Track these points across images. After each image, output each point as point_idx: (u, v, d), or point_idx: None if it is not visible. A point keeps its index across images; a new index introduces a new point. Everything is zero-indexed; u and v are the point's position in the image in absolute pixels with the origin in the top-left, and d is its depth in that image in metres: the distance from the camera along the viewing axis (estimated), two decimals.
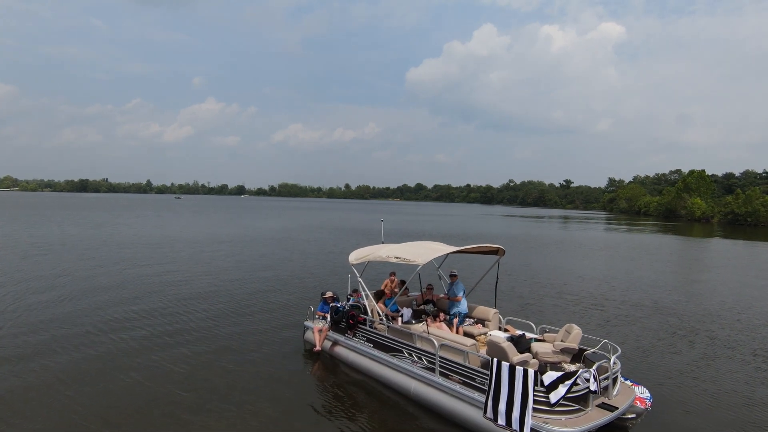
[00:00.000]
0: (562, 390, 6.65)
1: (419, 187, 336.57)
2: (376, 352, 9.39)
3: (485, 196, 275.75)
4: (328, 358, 10.68)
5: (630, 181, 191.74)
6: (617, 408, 6.97)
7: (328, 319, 11.04)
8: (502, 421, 6.87)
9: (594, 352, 7.87)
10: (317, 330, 11.04)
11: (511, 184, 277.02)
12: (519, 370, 6.74)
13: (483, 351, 8.20)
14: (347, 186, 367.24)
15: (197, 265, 23.48)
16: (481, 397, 7.23)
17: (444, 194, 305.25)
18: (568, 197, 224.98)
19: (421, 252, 9.30)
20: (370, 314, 9.98)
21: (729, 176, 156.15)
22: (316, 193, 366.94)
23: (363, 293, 10.51)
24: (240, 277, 20.40)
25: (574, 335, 8.17)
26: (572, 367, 7.56)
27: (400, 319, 9.70)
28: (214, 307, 14.92)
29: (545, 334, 8.96)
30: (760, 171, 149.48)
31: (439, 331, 8.69)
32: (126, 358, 10.20)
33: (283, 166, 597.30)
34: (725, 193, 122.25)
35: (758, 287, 21.61)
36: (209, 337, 11.88)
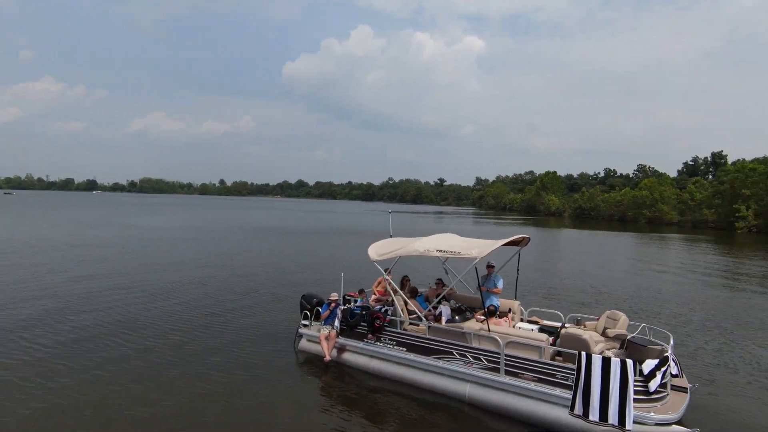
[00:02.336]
0: (659, 377, 6.65)
1: (301, 184, 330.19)
2: (414, 357, 8.47)
3: (367, 193, 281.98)
4: (337, 367, 9.39)
5: (494, 180, 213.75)
6: (687, 388, 7.26)
7: (336, 324, 9.72)
8: (594, 416, 6.60)
9: (636, 337, 8.08)
10: (324, 337, 9.64)
11: (391, 182, 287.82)
12: (615, 361, 6.54)
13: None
14: (222, 182, 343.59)
15: (100, 275, 19.26)
16: (565, 393, 6.90)
17: (326, 191, 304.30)
18: (442, 194, 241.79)
19: (472, 244, 8.61)
20: (400, 315, 8.99)
21: (569, 177, 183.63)
22: (186, 189, 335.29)
23: (392, 292, 9.38)
24: (177, 287, 17.24)
25: (621, 322, 8.32)
26: (612, 353, 7.63)
27: (445, 318, 8.90)
28: (168, 325, 12.23)
29: (587, 323, 9.02)
30: (591, 173, 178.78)
31: (499, 327, 8.14)
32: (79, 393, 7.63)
33: (143, 159, 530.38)
34: (569, 191, 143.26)
35: (600, 265, 25.48)
36: (179, 363, 9.61)
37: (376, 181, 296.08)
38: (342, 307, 9.82)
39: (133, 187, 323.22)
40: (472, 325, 8.11)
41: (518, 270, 10.30)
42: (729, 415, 7.59)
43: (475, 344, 7.88)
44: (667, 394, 6.84)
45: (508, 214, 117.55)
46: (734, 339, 11.98)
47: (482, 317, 8.41)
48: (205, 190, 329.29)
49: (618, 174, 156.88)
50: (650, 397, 6.55)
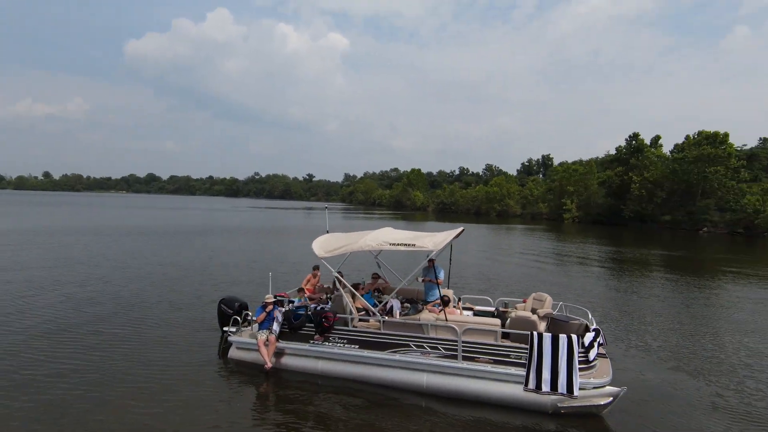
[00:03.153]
0: (596, 348, 7.66)
1: (152, 178, 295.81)
2: (368, 353, 8.34)
3: (230, 188, 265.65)
4: (279, 374, 8.73)
5: (362, 177, 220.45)
6: (606, 354, 8.50)
7: (275, 327, 9.02)
8: (546, 387, 7.35)
9: (557, 314, 9.20)
10: (263, 343, 8.87)
11: (257, 177, 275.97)
12: (563, 337, 7.36)
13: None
14: (47, 175, 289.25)
15: None
16: (519, 371, 7.53)
17: (183, 186, 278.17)
18: (311, 190, 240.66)
19: (425, 237, 8.70)
20: (351, 312, 8.71)
21: (430, 174, 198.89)
22: None
23: (342, 289, 8.98)
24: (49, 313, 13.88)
25: (547, 302, 9.35)
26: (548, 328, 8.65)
27: (398, 312, 8.84)
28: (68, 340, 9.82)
29: (517, 305, 9.88)
30: (448, 171, 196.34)
31: (454, 316, 8.42)
32: None
33: None
34: (431, 188, 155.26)
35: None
36: (81, 399, 7.91)
37: (240, 176, 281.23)
38: (282, 309, 9.18)
39: None
40: (427, 316, 8.31)
41: (450, 261, 10.87)
42: (635, 372, 9.15)
43: (432, 334, 8.11)
44: (595, 362, 7.96)
45: (378, 209, 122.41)
46: (602, 308, 14.43)
47: (437, 308, 8.68)
48: (22, 183, 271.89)
49: (470, 172, 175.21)
50: (589, 366, 7.55)
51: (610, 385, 7.46)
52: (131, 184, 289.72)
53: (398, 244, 8.48)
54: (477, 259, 26.91)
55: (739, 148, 70.94)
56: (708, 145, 63.83)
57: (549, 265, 25.41)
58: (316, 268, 11.54)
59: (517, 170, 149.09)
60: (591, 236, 49.16)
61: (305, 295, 10.73)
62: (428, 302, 9.41)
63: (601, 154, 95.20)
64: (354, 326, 8.64)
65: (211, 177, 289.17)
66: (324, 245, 9.13)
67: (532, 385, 7.42)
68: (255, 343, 9.03)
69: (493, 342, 7.77)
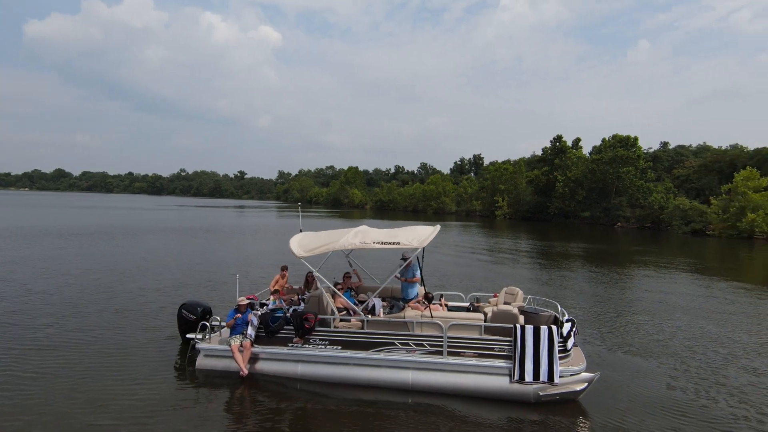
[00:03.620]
0: (573, 337, 8.07)
1: (60, 174, 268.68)
2: (353, 353, 8.16)
3: (153, 186, 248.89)
4: (255, 380, 8.29)
5: (297, 174, 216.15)
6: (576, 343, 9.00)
7: (250, 332, 8.54)
8: (529, 377, 7.64)
9: (527, 307, 9.62)
10: (237, 349, 8.36)
11: (183, 174, 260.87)
12: (544, 329, 7.68)
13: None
14: None
15: None
16: (503, 363, 7.76)
17: (99, 183, 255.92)
18: (243, 188, 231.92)
19: (408, 234, 8.61)
20: (333, 312, 8.46)
21: (366, 172, 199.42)
22: None
23: (324, 290, 8.66)
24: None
25: (519, 296, 9.72)
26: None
27: (381, 310, 8.68)
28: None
29: (490, 300, 10.15)
30: (384, 169, 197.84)
31: (438, 312, 8.45)
32: None
33: None
34: (368, 185, 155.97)
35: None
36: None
37: (164, 173, 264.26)
38: (257, 312, 8.71)
39: None
40: (412, 313, 8.31)
41: (423, 258, 10.93)
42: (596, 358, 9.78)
43: (417, 331, 8.12)
44: (569, 349, 8.42)
45: (315, 208, 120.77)
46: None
47: (421, 305, 8.69)
48: None
49: (406, 170, 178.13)
50: (566, 354, 7.96)
51: (584, 371, 7.92)
52: (35, 181, 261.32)
53: (384, 243, 8.38)
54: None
55: (645, 151, 78.76)
56: (621, 148, 70.14)
57: (484, 259, 26.57)
58: (284, 268, 11.09)
59: (450, 169, 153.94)
60: (522, 231, 52.16)
61: (280, 296, 10.28)
62: (409, 300, 9.40)
63: (526, 155, 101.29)
64: (335, 326, 8.43)
65: (131, 173, 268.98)
66: (303, 245, 8.78)
67: (517, 376, 7.68)
68: (226, 350, 8.51)
69: (477, 336, 7.94)
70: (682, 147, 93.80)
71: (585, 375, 7.83)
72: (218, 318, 9.34)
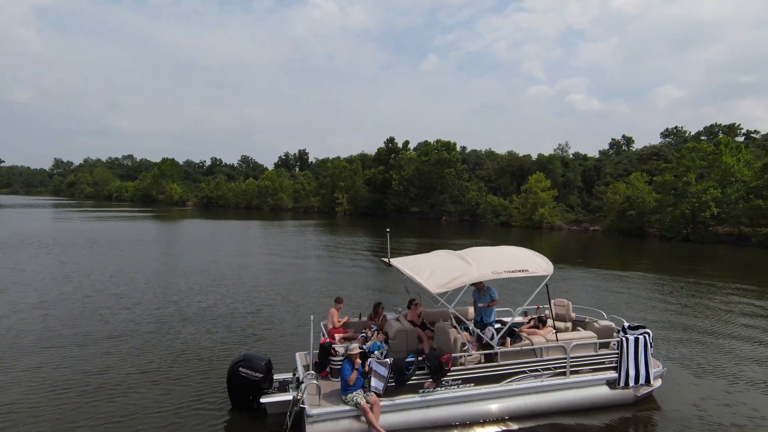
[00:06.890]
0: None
1: None
2: (487, 388, 7.77)
3: None
4: None
5: (81, 164, 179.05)
6: None
7: (374, 384, 7.24)
8: (632, 383, 8.65)
9: (577, 317, 10.58)
10: (367, 407, 7.02)
11: None
12: (642, 338, 8.73)
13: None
14: None
15: None
16: (612, 375, 8.53)
17: None
18: (1, 179, 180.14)
19: (531, 261, 8.41)
20: (459, 349, 7.78)
21: (202, 164, 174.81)
22: None
23: (459, 325, 7.82)
24: None
25: (568, 306, 10.60)
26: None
27: (508, 339, 8.27)
28: None
29: (546, 312, 10.68)
30: (198, 161, 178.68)
31: (566, 334, 8.61)
32: None
33: None
34: (185, 178, 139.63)
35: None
36: None
37: None
38: (383, 360, 7.44)
39: None
40: (539, 339, 8.38)
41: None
42: None
43: (545, 356, 8.24)
44: None
45: (119, 206, 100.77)
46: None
47: (535, 329, 8.76)
48: None
49: (224, 163, 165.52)
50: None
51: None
52: None
53: (513, 271, 8.18)
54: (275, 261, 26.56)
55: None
56: (444, 151, 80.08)
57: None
58: (338, 300, 9.62)
59: (275, 164, 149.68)
60: (361, 228, 55.03)
61: (339, 336, 8.90)
62: (487, 324, 9.31)
63: (343, 152, 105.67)
64: (461, 363, 7.90)
65: None
66: (435, 281, 7.83)
67: (622, 383, 8.57)
68: (343, 411, 7.15)
69: (593, 352, 8.53)
70: (475, 151, 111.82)
71: (659, 370, 9.23)
72: (312, 373, 7.64)
